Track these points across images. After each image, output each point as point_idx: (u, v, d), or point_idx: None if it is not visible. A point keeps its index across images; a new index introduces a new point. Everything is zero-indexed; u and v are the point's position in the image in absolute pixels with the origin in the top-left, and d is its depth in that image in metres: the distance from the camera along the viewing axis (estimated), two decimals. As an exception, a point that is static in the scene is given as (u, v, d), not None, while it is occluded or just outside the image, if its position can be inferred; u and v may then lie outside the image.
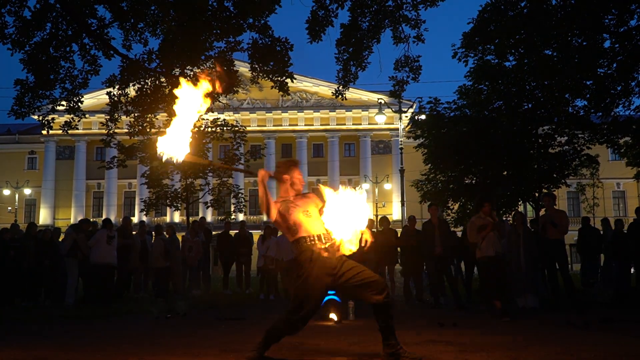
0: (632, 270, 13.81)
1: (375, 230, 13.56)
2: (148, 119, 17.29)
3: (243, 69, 20.25)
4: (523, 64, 16.20)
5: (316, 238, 4.93)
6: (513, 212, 15.73)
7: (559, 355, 5.17)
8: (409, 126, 23.17)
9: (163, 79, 15.72)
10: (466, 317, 9.30)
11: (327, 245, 4.91)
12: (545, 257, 10.98)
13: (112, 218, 49.33)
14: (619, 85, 15.73)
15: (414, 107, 25.58)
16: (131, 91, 16.02)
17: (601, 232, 14.85)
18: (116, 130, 17.00)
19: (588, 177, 23.80)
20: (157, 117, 17.98)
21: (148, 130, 17.89)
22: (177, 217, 47.71)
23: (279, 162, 5.51)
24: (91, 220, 18.73)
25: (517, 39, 14.88)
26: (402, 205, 29.03)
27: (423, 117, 20.29)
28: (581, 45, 14.32)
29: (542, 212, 14.34)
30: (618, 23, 14.25)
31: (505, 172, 17.92)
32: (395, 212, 45.45)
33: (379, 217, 15.40)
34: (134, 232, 15.65)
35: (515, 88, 17.06)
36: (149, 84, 15.48)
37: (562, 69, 14.29)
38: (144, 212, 24.56)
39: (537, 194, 17.94)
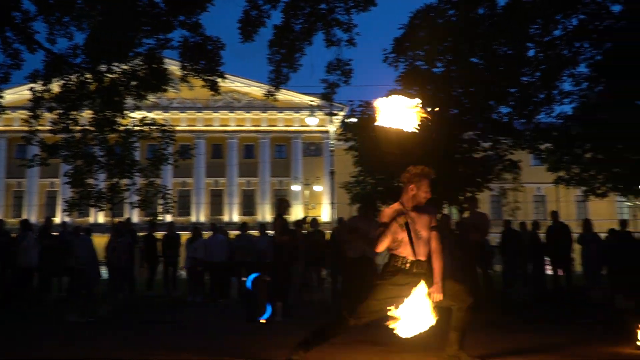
0: (554, 272, 14.32)
1: (305, 231, 13.62)
2: (72, 116, 16.81)
3: (173, 67, 19.95)
4: (450, 70, 16.57)
5: (410, 264, 4.87)
6: (439, 215, 16.06)
7: (481, 354, 5.32)
8: (340, 129, 23.34)
9: (88, 75, 15.34)
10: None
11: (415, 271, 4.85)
12: (467, 259, 11.26)
13: (33, 218, 47.82)
14: (542, 93, 16.30)
15: (345, 110, 25.79)
16: (55, 87, 15.56)
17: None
18: (39, 127, 16.46)
19: (510, 182, 24.51)
20: (82, 114, 17.51)
21: (72, 127, 17.40)
22: (101, 217, 46.54)
23: (412, 168, 5.08)
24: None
25: (445, 46, 15.22)
26: (332, 207, 29.21)
27: (354, 120, 20.49)
28: (506, 53, 14.76)
29: (465, 214, 14.72)
30: (543, 33, 14.75)
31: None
32: (325, 214, 45.69)
33: (309, 218, 15.45)
34: (56, 233, 15.22)
35: (442, 94, 17.44)
36: (74, 80, 15.07)
37: (487, 77, 14.69)
38: (67, 213, 23.80)
39: (461, 197, 18.38)
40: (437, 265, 4.92)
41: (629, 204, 46.75)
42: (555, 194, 48.00)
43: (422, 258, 4.89)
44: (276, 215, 10.85)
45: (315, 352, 5.05)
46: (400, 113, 4.77)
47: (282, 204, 10.89)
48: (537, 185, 50.80)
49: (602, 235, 13.86)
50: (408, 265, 4.85)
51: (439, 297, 4.84)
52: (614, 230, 13.76)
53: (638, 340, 5.32)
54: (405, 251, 4.86)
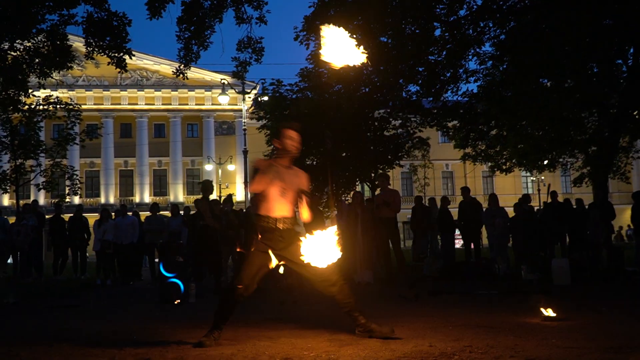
0: (464, 245, 14.84)
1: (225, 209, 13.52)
2: (-25, 95, 16.05)
3: (77, 43, 19.29)
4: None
5: (275, 220, 4.91)
6: (352, 192, 16.33)
7: (391, 326, 5.47)
8: (252, 107, 23.25)
9: (-9, 53, 14.64)
10: (305, 296, 9.55)
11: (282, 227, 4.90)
12: (379, 235, 11.51)
13: None
14: (448, 71, 16.75)
15: (257, 88, 25.67)
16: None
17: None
18: (-59, 107, 15.59)
19: (420, 159, 25.16)
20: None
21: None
22: (6, 200, 44.62)
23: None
24: None
25: (355, 25, 15.33)
26: (246, 186, 29.10)
27: (266, 98, 20.44)
28: (414, 33, 15.03)
29: (377, 191, 15.01)
30: (448, 12, 15.09)
31: (343, 154, 18.52)
32: (239, 193, 45.46)
33: (223, 197, 15.33)
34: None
35: (353, 72, 17.60)
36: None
37: (396, 56, 14.93)
38: (-32, 195, 22.74)
39: (372, 175, 18.73)
40: (306, 219, 5.02)
41: (532, 178, 48.90)
42: (463, 170, 49.60)
43: (287, 215, 4.96)
44: (202, 197, 10.74)
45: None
46: (344, 46, 4.79)
47: (207, 186, 10.81)
48: (445, 162, 52.34)
49: (508, 210, 14.44)
50: (273, 222, 4.93)
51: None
52: (518, 204, 14.37)
53: (543, 311, 5.59)
54: (270, 208, 4.94)
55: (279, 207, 4.94)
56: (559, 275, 10.00)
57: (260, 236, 4.99)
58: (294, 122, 5.23)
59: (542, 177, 44.41)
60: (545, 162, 22.92)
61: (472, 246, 14.40)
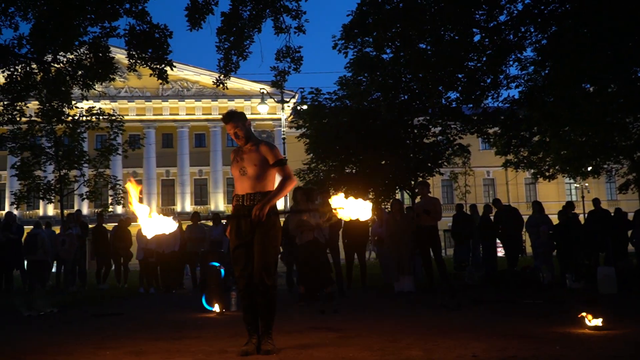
0: (506, 254, 14.62)
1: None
2: (18, 107, 16.46)
3: (120, 55, 19.60)
4: (399, 56, 16.69)
5: (242, 198, 5.00)
6: (391, 200, 16.25)
7: (434, 336, 5.41)
8: (291, 116, 23.33)
9: (34, 65, 14.98)
10: (346, 304, 9.52)
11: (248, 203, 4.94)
12: (420, 243, 11.40)
13: (-21, 212, 46.58)
14: (488, 78, 16.57)
15: (296, 97, 25.77)
16: (0, 78, 15.14)
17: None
18: (-16, 120, 16.03)
19: (460, 166, 24.94)
20: (28, 105, 17.11)
21: (18, 118, 17.01)
22: (50, 210, 45.57)
23: None
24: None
25: (393, 33, 15.29)
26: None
27: (305, 107, 20.50)
28: (453, 39, 14.92)
29: (417, 199, 14.90)
30: (488, 18, 14.94)
31: (383, 162, 18.45)
32: (279, 202, 45.40)
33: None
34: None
35: (392, 80, 17.57)
36: (19, 70, 14.72)
37: (435, 62, 14.84)
38: (15, 206, 23.26)
39: (412, 182, 18.61)
40: (272, 189, 5.05)
41: (576, 185, 47.99)
42: (505, 177, 48.95)
43: (251, 191, 4.98)
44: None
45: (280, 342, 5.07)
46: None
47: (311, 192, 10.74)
48: (486, 169, 51.70)
49: (551, 217, 14.18)
50: (240, 199, 5.02)
51: (259, 213, 4.84)
52: (562, 211, 14.09)
53: (587, 321, 5.46)
54: (237, 188, 5.10)
55: (240, 186, 5.05)
56: (605, 284, 9.75)
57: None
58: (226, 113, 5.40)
59: (586, 184, 43.55)
60: (589, 168, 22.49)
61: (515, 254, 14.18)
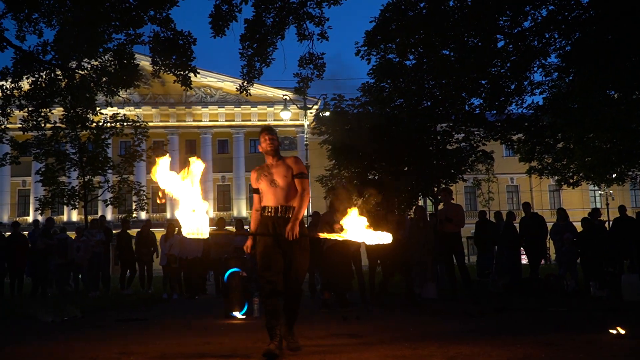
0: (530, 261, 14.47)
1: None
2: (43, 114, 16.65)
3: (144, 62, 19.80)
4: (422, 63, 16.63)
5: (273, 210, 5.21)
6: (414, 207, 16.18)
7: (456, 343, 5.37)
8: (314, 123, 23.36)
9: (59, 72, 15.17)
10: (368, 311, 9.49)
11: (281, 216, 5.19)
12: (443, 250, 11.34)
13: (5, 217, 47.22)
14: (512, 84, 16.46)
15: (319, 103, 25.79)
16: (25, 84, 15.36)
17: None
18: (9, 126, 16.24)
19: (483, 173, 24.75)
20: (53, 111, 17.31)
21: (43, 125, 17.22)
22: (74, 215, 46.05)
23: None
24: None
25: (416, 39, 15.25)
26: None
27: (327, 113, 20.51)
28: (477, 45, 14.85)
29: (440, 206, 14.82)
30: (512, 24, 14.85)
31: (405, 168, 18.39)
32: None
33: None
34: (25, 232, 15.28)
35: (415, 86, 17.50)
36: (44, 76, 14.91)
37: (458, 69, 14.77)
38: (39, 211, 23.53)
39: (435, 189, 18.52)
40: (296, 204, 5.25)
41: (600, 192, 47.41)
42: (529, 184, 48.52)
43: (284, 203, 5.24)
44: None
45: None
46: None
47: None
48: (510, 176, 51.27)
49: (576, 225, 14.01)
50: (271, 211, 5.24)
51: (293, 233, 5.08)
52: (587, 219, 13.91)
53: (613, 328, 5.39)
54: (266, 200, 5.30)
55: (272, 197, 5.27)
56: (629, 292, 9.64)
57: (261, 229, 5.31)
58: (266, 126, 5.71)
59: (611, 191, 43.00)
60: (614, 175, 22.21)
61: (538, 261, 14.03)
